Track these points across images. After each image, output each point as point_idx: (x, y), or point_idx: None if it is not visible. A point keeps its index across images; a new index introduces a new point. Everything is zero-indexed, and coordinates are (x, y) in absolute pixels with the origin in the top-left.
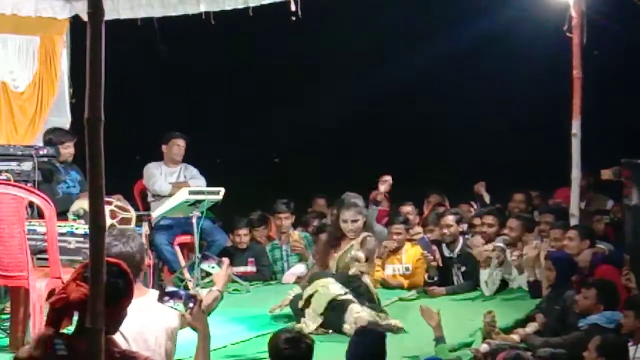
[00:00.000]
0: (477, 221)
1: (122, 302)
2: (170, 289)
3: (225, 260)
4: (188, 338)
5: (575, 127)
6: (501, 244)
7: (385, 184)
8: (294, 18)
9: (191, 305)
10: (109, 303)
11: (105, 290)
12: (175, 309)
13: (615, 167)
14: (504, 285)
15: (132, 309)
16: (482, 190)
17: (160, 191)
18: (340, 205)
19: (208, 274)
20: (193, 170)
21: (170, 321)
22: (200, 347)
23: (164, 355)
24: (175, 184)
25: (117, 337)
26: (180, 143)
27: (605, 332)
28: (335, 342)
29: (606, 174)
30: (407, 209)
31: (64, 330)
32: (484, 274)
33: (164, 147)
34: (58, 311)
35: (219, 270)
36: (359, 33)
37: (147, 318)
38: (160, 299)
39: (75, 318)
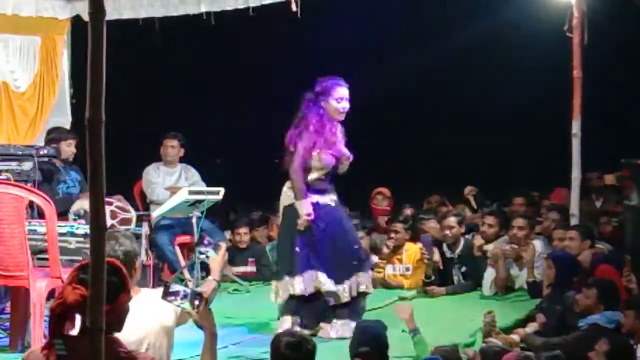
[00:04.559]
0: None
1: (121, 298)
2: (175, 287)
3: (222, 244)
4: (190, 338)
5: (575, 127)
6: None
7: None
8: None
9: (197, 303)
10: (108, 301)
11: None
12: (182, 307)
13: (618, 173)
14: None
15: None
16: (471, 196)
17: (158, 200)
18: None
19: (208, 274)
20: (195, 175)
21: (166, 318)
22: (208, 345)
23: (163, 352)
24: (173, 188)
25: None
26: (171, 143)
27: (605, 332)
28: (335, 344)
29: (609, 179)
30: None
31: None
32: (489, 273)
33: (161, 150)
34: (58, 316)
35: (215, 256)
36: (359, 33)
37: (143, 316)
38: (165, 298)
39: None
